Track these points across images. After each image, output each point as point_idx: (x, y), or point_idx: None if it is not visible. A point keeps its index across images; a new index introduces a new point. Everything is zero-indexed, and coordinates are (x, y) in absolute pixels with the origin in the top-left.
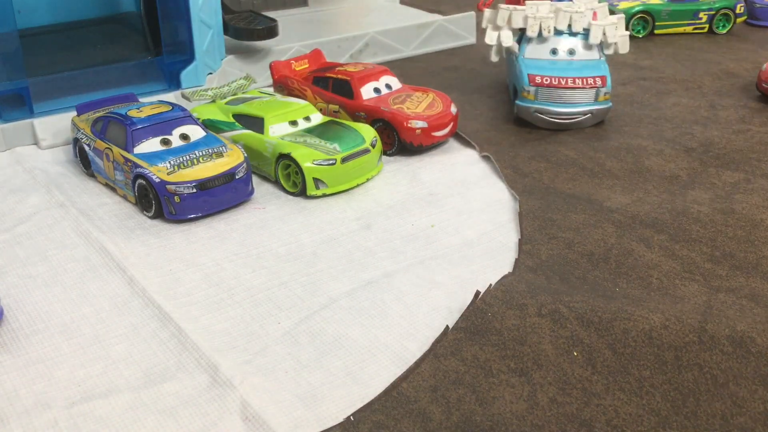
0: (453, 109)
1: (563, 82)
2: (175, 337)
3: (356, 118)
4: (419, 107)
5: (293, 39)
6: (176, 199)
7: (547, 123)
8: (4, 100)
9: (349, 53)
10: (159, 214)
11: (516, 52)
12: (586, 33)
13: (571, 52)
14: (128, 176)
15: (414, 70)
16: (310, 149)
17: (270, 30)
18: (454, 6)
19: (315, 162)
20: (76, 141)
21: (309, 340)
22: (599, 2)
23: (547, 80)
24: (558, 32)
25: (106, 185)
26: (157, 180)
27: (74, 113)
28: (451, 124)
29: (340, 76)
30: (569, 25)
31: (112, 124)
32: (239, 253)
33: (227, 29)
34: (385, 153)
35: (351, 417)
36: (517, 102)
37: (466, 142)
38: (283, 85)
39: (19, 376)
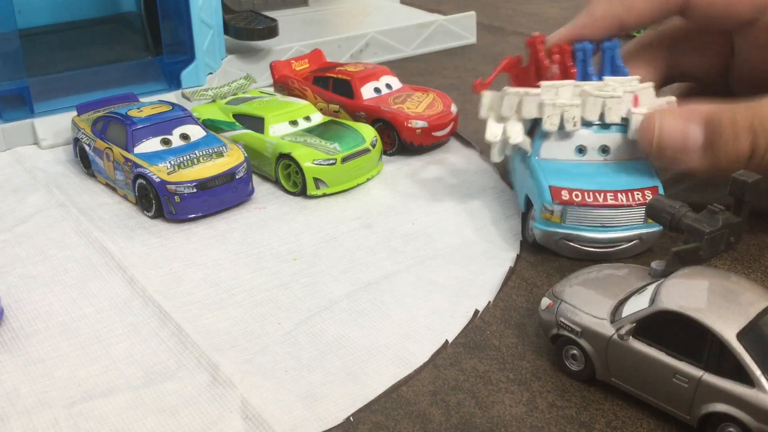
0: (453, 108)
1: (600, 198)
2: (175, 336)
3: (356, 118)
4: (419, 107)
5: (293, 39)
6: (176, 198)
7: (579, 253)
8: (4, 100)
9: (349, 53)
10: (159, 214)
11: (528, 149)
12: (624, 124)
13: (604, 150)
14: (128, 176)
15: (414, 70)
16: (310, 149)
17: (270, 30)
18: (454, 6)
19: (315, 162)
20: (76, 141)
21: (309, 341)
22: (640, 82)
23: (578, 195)
24: (586, 124)
25: (107, 185)
26: (158, 180)
27: (74, 113)
28: (452, 124)
29: (340, 76)
30: (601, 114)
31: (113, 123)
32: (239, 253)
33: (227, 29)
34: (385, 153)
35: (351, 418)
36: (535, 225)
37: (466, 142)
38: (284, 84)
39: (19, 376)
